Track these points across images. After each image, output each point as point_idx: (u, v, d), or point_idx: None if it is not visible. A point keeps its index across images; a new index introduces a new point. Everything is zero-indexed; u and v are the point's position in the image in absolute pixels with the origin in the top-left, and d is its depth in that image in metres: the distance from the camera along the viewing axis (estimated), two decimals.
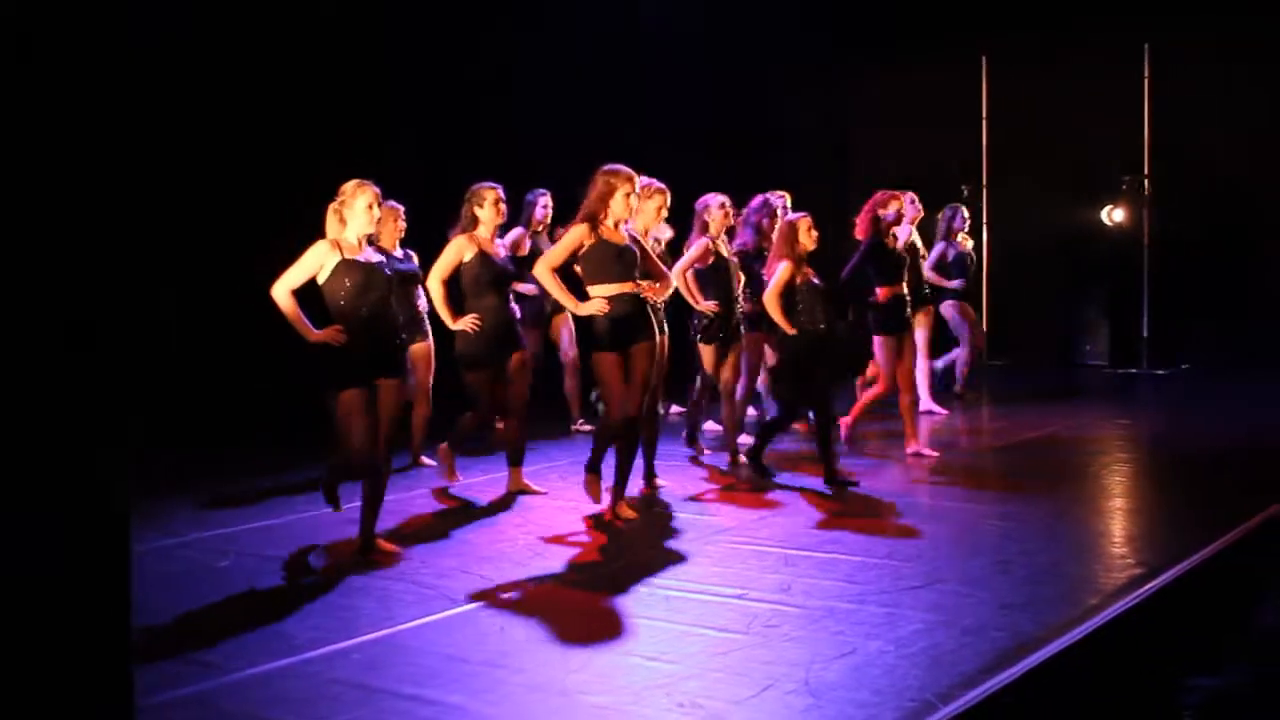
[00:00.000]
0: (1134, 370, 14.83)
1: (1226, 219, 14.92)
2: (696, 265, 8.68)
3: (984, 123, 16.21)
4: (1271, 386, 13.06)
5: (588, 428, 10.34)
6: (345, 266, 6.28)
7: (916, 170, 13.51)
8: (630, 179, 7.10)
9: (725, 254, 8.73)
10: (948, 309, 11.82)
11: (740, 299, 8.86)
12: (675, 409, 10.76)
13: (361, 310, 6.28)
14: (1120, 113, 15.14)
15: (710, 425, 10.10)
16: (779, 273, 8.08)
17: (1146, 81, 15.17)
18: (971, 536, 6.95)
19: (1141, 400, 13.14)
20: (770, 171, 11.29)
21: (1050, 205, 15.15)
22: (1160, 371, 14.66)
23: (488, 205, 7.69)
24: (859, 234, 9.14)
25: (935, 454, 9.09)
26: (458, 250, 7.65)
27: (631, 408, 7.07)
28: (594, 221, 7.08)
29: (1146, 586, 5.64)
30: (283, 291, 6.27)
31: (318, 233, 6.40)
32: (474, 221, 7.70)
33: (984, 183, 15.83)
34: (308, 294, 6.36)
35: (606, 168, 7.13)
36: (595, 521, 7.17)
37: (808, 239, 8.10)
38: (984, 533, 7.01)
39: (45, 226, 3.47)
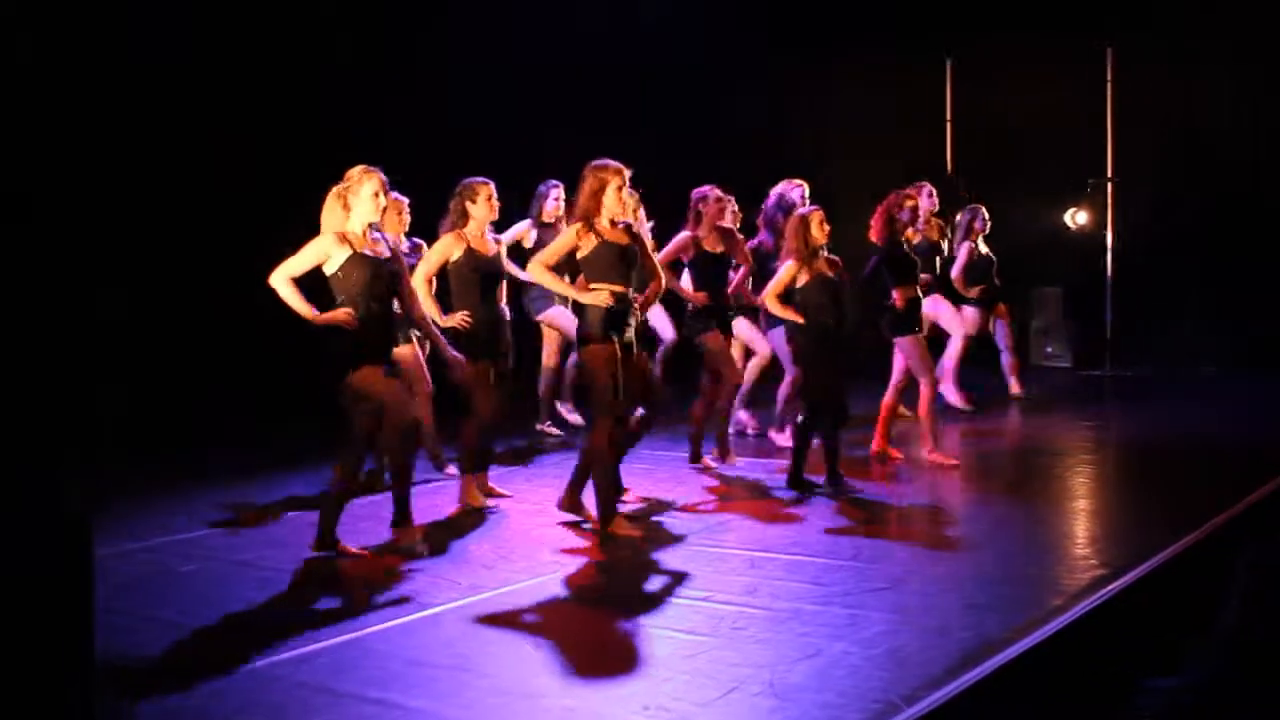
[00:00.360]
0: (1097, 372, 14.92)
1: (1189, 221, 15.01)
2: (681, 257, 8.61)
3: (949, 125, 16.27)
4: (1234, 387, 13.19)
5: (555, 432, 10.30)
6: (356, 261, 6.22)
7: (883, 173, 13.55)
8: (619, 172, 6.90)
9: (711, 249, 8.59)
10: (967, 314, 11.61)
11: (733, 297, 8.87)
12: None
13: (372, 305, 6.22)
14: (1084, 116, 15.23)
15: (744, 416, 10.08)
16: (781, 271, 8.08)
17: (1110, 85, 15.27)
18: (936, 538, 6.99)
19: (1105, 402, 13.22)
20: (733, 173, 11.29)
21: (1014, 208, 15.22)
22: (1123, 373, 14.75)
23: (480, 201, 7.49)
24: (874, 236, 8.97)
25: (899, 456, 9.11)
26: (445, 249, 7.48)
27: (619, 408, 6.91)
28: (589, 221, 6.90)
29: (1110, 587, 5.68)
30: (281, 279, 6.18)
31: (311, 227, 6.30)
32: (464, 217, 7.51)
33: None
34: (308, 289, 6.29)
35: (595, 163, 6.95)
36: (594, 534, 6.99)
37: (819, 233, 8.08)
38: (948, 534, 7.05)
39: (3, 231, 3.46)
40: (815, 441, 8.10)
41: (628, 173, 6.99)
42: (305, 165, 7.86)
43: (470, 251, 7.49)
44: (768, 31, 15.17)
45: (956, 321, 10.91)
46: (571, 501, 7.23)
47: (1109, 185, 15.34)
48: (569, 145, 7.47)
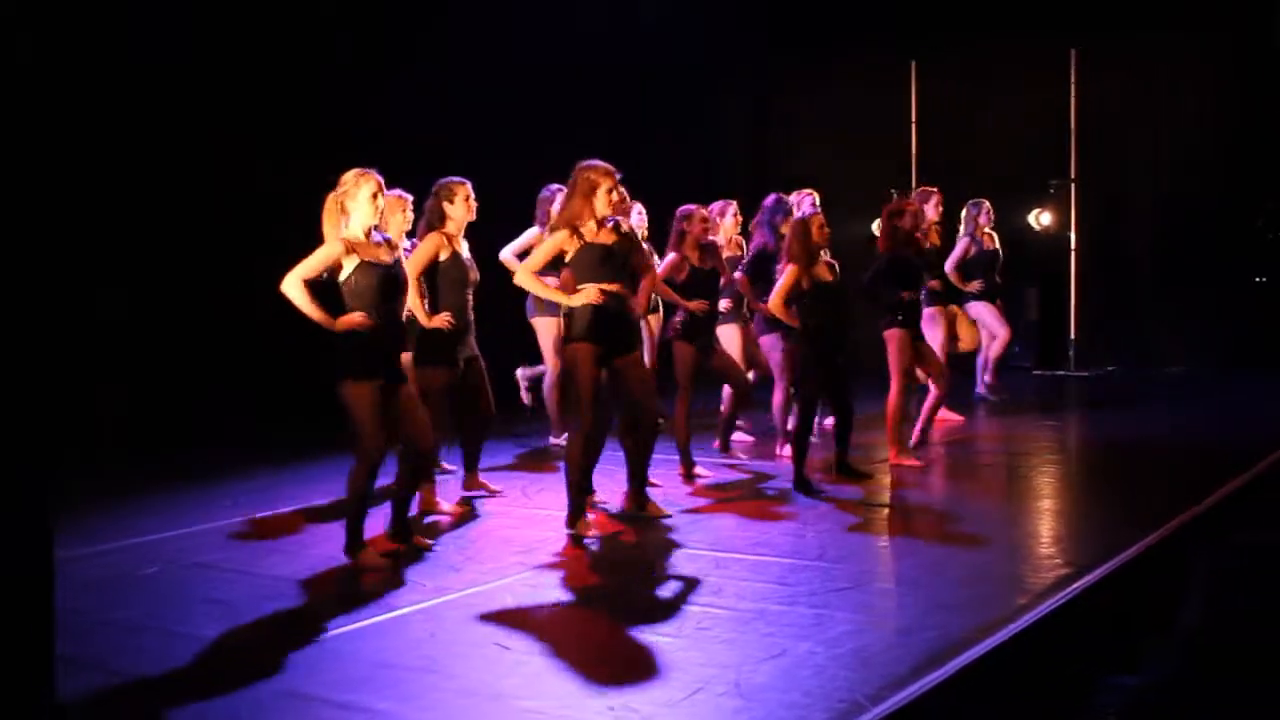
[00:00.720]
0: (1062, 372, 15.00)
1: (1152, 222, 15.15)
2: (675, 278, 8.49)
3: (914, 127, 16.33)
4: (1196, 388, 13.28)
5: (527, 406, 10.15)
6: (364, 269, 6.13)
7: (846, 174, 13.64)
8: (609, 174, 6.85)
9: (700, 265, 8.52)
10: (978, 310, 11.51)
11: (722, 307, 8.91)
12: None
13: (380, 312, 6.15)
14: (1048, 117, 15.32)
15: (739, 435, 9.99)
16: (785, 277, 8.09)
17: (1074, 86, 15.34)
18: (901, 537, 7.01)
19: (1069, 402, 13.27)
20: (698, 176, 11.33)
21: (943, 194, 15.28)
22: (1087, 373, 14.83)
23: (458, 201, 7.35)
24: (879, 246, 8.97)
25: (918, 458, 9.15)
26: (434, 246, 7.29)
27: (597, 417, 6.89)
28: (573, 225, 6.84)
29: (1073, 586, 5.71)
30: (293, 284, 6.07)
31: (311, 226, 6.20)
32: (442, 218, 7.36)
33: (914, 186, 15.91)
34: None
35: (584, 164, 6.90)
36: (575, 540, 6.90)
37: (819, 236, 8.11)
38: (913, 534, 7.07)
39: None
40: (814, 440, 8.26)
41: (618, 174, 6.94)
42: (305, 165, 7.82)
43: (455, 254, 7.39)
44: (715, 33, 15.22)
45: (939, 343, 10.74)
46: (634, 499, 7.31)
47: (1073, 186, 15.41)
48: (565, 145, 7.42)
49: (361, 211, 6.17)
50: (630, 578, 6.14)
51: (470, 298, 7.54)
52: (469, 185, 7.45)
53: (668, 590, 5.82)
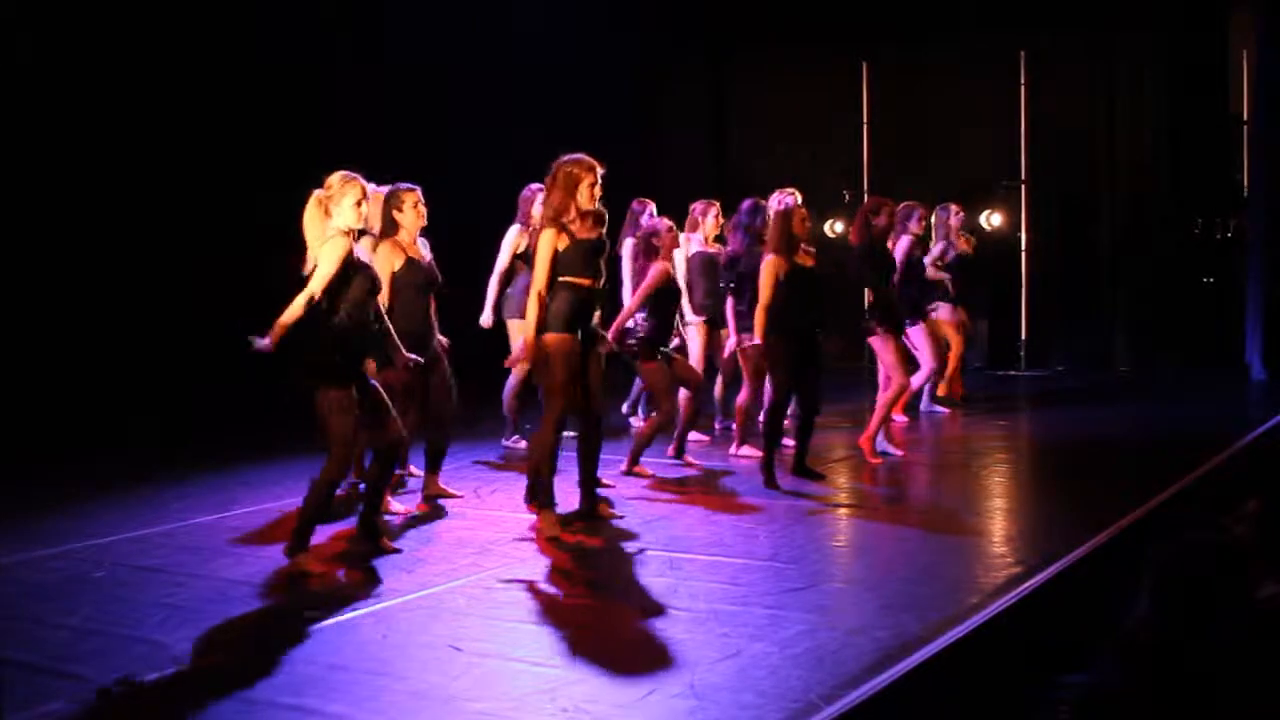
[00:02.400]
0: (1012, 372, 15.08)
1: (1102, 223, 15.26)
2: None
3: (865, 128, 16.38)
4: (1145, 388, 13.38)
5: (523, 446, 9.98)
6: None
7: (798, 175, 13.65)
8: (592, 168, 6.86)
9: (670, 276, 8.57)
10: (941, 312, 11.48)
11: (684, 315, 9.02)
12: (635, 423, 10.52)
13: (354, 314, 6.11)
14: (998, 118, 15.40)
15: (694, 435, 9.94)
16: (764, 273, 8.12)
17: (1023, 88, 15.43)
18: (853, 538, 7.03)
19: (1019, 401, 13.34)
20: (650, 176, 11.32)
21: (929, 209, 15.33)
22: (1037, 373, 14.92)
23: (407, 208, 7.31)
24: (853, 239, 9.11)
25: (900, 453, 9.18)
26: (387, 258, 7.25)
27: (570, 402, 6.91)
28: (559, 221, 6.83)
29: (1024, 585, 5.74)
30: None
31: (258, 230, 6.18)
32: (395, 226, 7.33)
33: (865, 187, 15.96)
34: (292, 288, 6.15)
35: (566, 158, 6.89)
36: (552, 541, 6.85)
37: (800, 229, 8.19)
38: (865, 534, 7.10)
39: None
40: (788, 441, 8.35)
41: (600, 169, 6.94)
42: (302, 165, 7.83)
43: (410, 261, 7.35)
44: (669, 32, 15.27)
45: (930, 354, 10.70)
46: (586, 502, 7.27)
47: (1022, 187, 15.50)
48: (441, 148, 7.45)
49: (344, 215, 6.11)
50: (583, 578, 6.12)
51: (431, 301, 7.52)
52: (418, 191, 7.41)
53: (621, 592, 5.80)
